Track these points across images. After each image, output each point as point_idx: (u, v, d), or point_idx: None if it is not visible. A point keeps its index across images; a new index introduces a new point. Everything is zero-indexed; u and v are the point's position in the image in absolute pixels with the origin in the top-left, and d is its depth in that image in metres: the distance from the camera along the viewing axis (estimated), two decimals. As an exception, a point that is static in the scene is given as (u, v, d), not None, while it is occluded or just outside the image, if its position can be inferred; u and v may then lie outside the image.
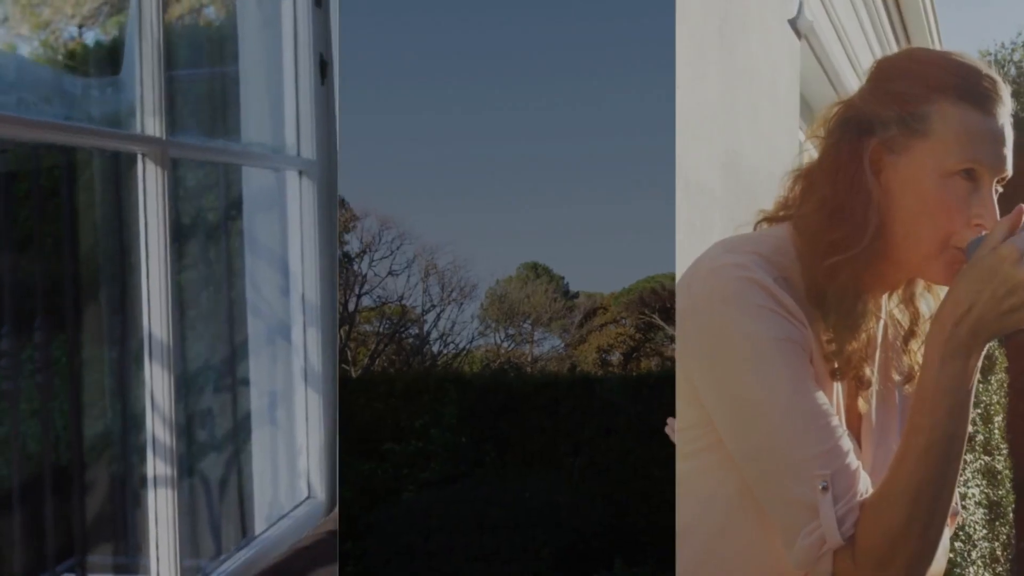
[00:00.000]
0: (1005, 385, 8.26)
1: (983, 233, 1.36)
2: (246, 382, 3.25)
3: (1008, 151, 1.43)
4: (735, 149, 3.34)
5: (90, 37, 3.30)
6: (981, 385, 7.26)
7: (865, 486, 1.37)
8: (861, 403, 1.51)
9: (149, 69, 2.49)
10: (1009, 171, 1.43)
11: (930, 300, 1.57)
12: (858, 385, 1.50)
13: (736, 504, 1.44)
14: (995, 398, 7.85)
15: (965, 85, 1.42)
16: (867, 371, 1.50)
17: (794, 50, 4.12)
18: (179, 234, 3.08)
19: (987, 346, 1.34)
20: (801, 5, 4.06)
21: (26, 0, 2.65)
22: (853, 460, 1.37)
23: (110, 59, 3.20)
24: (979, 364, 1.34)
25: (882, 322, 1.55)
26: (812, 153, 1.52)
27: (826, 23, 4.71)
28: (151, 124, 2.48)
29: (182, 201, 3.11)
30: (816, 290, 1.42)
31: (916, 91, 1.43)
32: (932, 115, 1.41)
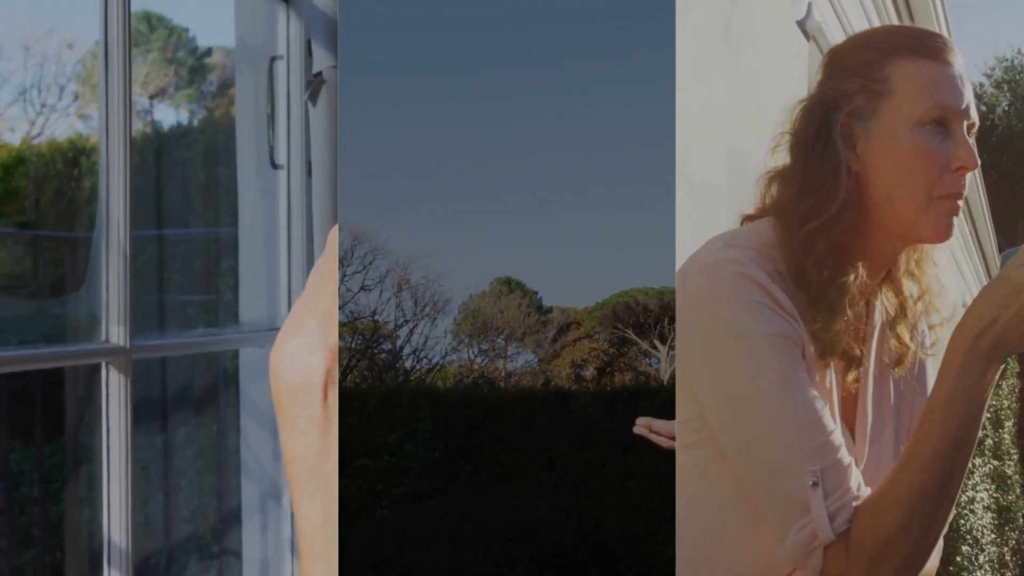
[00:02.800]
0: (1016, 390, 8.45)
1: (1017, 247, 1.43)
2: (234, 552, 3.38)
3: (971, 98, 1.54)
4: (741, 150, 3.47)
5: (160, 112, 3.52)
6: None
7: (857, 481, 1.44)
8: (851, 383, 1.60)
9: (115, 277, 2.59)
10: (975, 118, 1.54)
11: (919, 282, 1.66)
12: (848, 366, 1.58)
13: (731, 498, 1.52)
14: (1006, 403, 8.02)
15: (917, 43, 1.54)
16: (856, 351, 1.58)
17: (802, 51, 4.28)
18: (172, 400, 3.29)
19: None
20: (810, 7, 4.23)
21: (96, 79, 2.71)
22: (845, 455, 1.44)
23: (156, 147, 3.43)
24: (996, 378, 1.41)
25: (878, 309, 1.63)
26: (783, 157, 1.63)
27: (835, 25, 4.83)
28: (115, 332, 2.58)
29: (177, 363, 3.31)
30: (796, 267, 1.50)
31: (872, 58, 1.54)
32: (892, 74, 1.52)
